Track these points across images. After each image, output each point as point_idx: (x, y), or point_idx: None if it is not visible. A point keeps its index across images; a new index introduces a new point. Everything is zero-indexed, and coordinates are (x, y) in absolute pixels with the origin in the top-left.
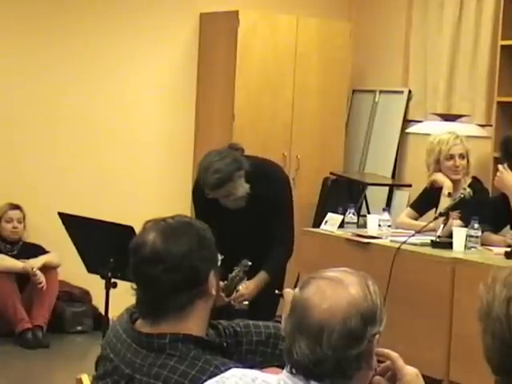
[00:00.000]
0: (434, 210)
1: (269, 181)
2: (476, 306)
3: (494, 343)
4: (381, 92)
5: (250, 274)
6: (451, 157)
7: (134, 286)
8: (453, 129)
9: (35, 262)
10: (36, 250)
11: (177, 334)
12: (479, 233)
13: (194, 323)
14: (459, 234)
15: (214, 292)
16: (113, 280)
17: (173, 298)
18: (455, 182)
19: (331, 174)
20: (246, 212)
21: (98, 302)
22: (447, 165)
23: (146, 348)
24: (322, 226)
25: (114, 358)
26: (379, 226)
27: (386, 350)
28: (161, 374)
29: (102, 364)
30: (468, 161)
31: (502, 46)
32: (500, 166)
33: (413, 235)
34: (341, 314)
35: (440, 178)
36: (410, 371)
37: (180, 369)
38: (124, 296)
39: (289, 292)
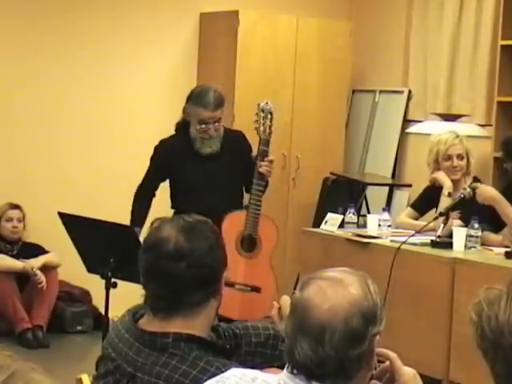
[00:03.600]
0: (435, 209)
1: (234, 136)
2: (472, 335)
3: (508, 371)
4: (381, 92)
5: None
6: (449, 157)
7: (143, 281)
8: (453, 129)
9: (35, 262)
10: (36, 250)
11: (180, 334)
12: (479, 233)
13: (202, 322)
14: (459, 234)
15: (222, 292)
16: (113, 280)
17: (190, 294)
18: (455, 182)
19: (331, 174)
20: (211, 166)
21: (98, 302)
22: (445, 165)
23: (148, 347)
24: (322, 226)
25: (115, 357)
26: (379, 226)
27: (385, 350)
28: (162, 372)
29: (104, 364)
30: (468, 161)
31: (502, 46)
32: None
33: (413, 235)
34: (342, 314)
35: (441, 176)
36: (408, 372)
37: (181, 368)
38: (124, 296)
39: (285, 298)
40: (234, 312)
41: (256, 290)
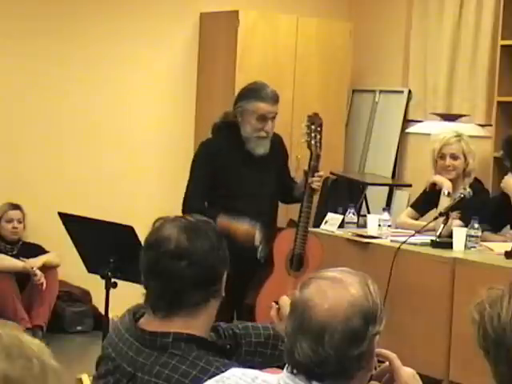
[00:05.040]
0: (435, 209)
1: (275, 139)
2: (474, 334)
3: (511, 370)
4: (381, 92)
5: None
6: (443, 156)
7: (144, 280)
8: (453, 129)
9: (35, 262)
10: (36, 250)
11: (180, 334)
12: (479, 233)
13: (202, 322)
14: (459, 234)
15: (223, 293)
16: (113, 280)
17: (191, 294)
18: (453, 182)
19: (331, 173)
20: (260, 169)
21: (98, 302)
22: (439, 163)
23: (148, 346)
24: (322, 226)
25: (115, 357)
26: (379, 226)
27: (385, 351)
28: (162, 372)
29: (104, 363)
30: (466, 161)
31: (502, 46)
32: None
33: (413, 235)
34: (342, 314)
35: (438, 179)
36: (407, 372)
37: (181, 368)
38: (124, 296)
39: (284, 298)
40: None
41: None
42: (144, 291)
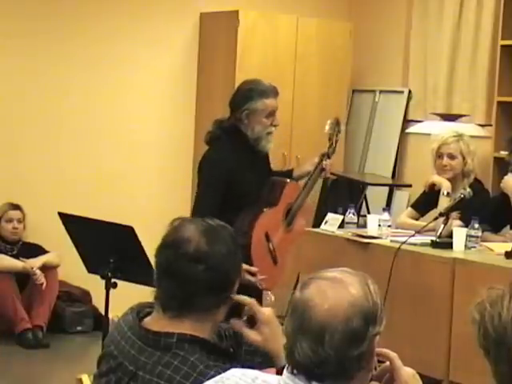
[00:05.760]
0: (435, 210)
1: None
2: (474, 334)
3: (511, 370)
4: (381, 92)
5: None
6: (440, 155)
7: (157, 277)
8: (453, 129)
9: (35, 262)
10: (36, 250)
11: (184, 335)
12: (479, 233)
13: (209, 326)
14: (459, 234)
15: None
16: (113, 280)
17: (205, 298)
18: (452, 182)
19: (331, 174)
20: (260, 172)
21: (98, 301)
22: (437, 163)
23: (152, 346)
24: (322, 226)
25: (118, 355)
26: (379, 225)
27: (385, 350)
28: (164, 373)
29: (105, 361)
30: (464, 161)
31: (502, 46)
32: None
33: (413, 235)
34: (342, 315)
35: (437, 179)
36: (408, 372)
37: (183, 369)
38: (124, 296)
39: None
40: (259, 262)
41: (275, 261)
42: (151, 289)
